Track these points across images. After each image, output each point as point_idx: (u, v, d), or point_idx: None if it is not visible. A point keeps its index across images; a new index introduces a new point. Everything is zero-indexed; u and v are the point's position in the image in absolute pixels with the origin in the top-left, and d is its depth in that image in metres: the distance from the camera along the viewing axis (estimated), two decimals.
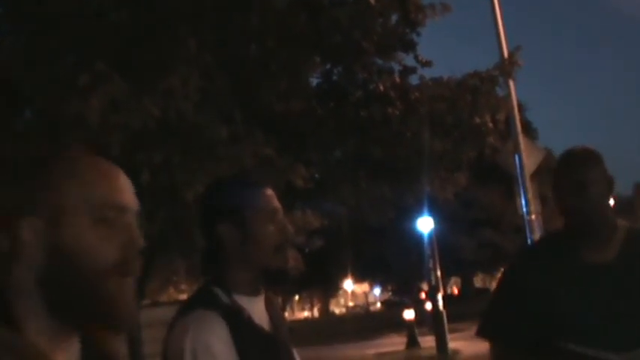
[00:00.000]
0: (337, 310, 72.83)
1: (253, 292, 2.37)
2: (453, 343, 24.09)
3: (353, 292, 74.70)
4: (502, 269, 3.21)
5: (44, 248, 1.29)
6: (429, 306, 28.39)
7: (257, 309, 2.38)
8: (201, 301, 2.32)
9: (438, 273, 25.92)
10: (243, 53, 9.06)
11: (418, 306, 32.08)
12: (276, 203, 2.41)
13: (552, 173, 2.86)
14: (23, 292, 1.29)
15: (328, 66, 11.07)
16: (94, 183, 1.35)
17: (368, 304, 72.96)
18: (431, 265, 26.14)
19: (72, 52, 7.85)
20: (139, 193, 1.43)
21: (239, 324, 2.25)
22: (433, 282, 25.83)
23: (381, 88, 10.65)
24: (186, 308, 2.32)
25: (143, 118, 7.10)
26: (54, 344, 1.30)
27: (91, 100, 6.80)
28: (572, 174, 2.77)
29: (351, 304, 76.89)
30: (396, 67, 11.11)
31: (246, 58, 9.16)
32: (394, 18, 10.63)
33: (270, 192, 2.42)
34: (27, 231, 1.28)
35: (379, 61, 10.90)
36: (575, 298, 2.74)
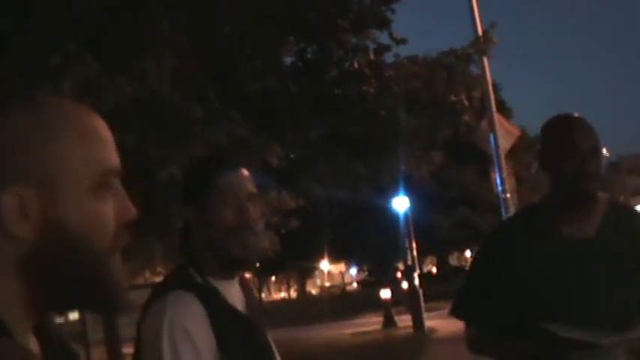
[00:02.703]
0: (314, 291, 72.99)
1: (224, 276, 2.32)
2: (430, 322, 24.17)
3: (329, 273, 74.88)
4: (478, 247, 3.10)
5: (34, 224, 1.05)
6: (405, 285, 28.46)
7: (231, 291, 2.34)
8: (177, 282, 2.26)
9: (414, 252, 26.01)
10: (217, 32, 8.95)
11: (394, 285, 32.16)
12: (240, 186, 2.32)
13: (552, 137, 2.76)
14: None
15: (302, 45, 11.00)
16: (92, 142, 1.11)
17: (344, 284, 73.13)
18: (407, 244, 26.21)
19: (42, 34, 7.73)
20: None
21: (215, 305, 2.21)
22: (409, 261, 25.93)
23: (356, 65, 10.60)
24: (161, 289, 2.26)
25: (116, 99, 6.99)
26: (24, 336, 1.10)
27: (62, 81, 6.68)
28: (584, 139, 2.66)
29: (327, 284, 77.09)
30: (371, 46, 11.07)
31: (220, 38, 9.06)
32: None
33: (236, 174, 2.35)
34: (7, 200, 1.04)
35: (354, 39, 10.84)
36: (554, 274, 2.67)
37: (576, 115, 2.77)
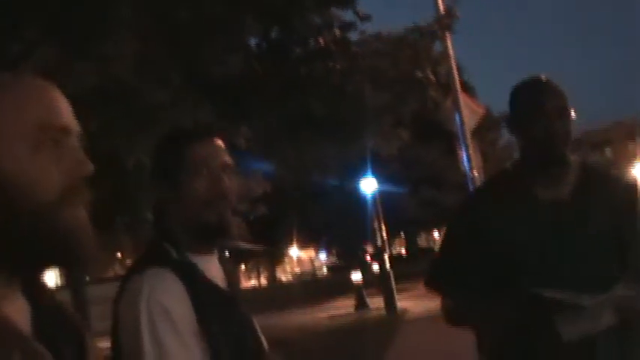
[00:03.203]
0: (284, 277, 73.06)
1: (202, 250, 2.24)
2: (401, 303, 24.36)
3: (299, 259, 74.98)
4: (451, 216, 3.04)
5: None
6: (375, 267, 28.54)
7: (210, 266, 2.25)
8: (153, 258, 2.17)
9: (384, 234, 26.03)
10: (177, 15, 8.78)
11: (364, 268, 32.23)
12: (214, 156, 2.25)
13: (520, 100, 2.72)
14: None
15: (265, 25, 10.86)
16: (29, 103, 1.17)
17: (314, 270, 73.29)
18: (376, 226, 26.20)
19: (1, 22, 7.54)
20: None
21: (194, 280, 2.12)
22: (379, 243, 25.94)
23: (322, 42, 10.50)
24: (136, 267, 2.17)
25: (77, 85, 6.83)
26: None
27: (22, 68, 6.52)
28: (552, 99, 2.63)
29: (297, 270, 77.18)
30: (336, 23, 10.97)
31: (180, 20, 8.89)
32: None
33: (209, 144, 2.27)
34: None
35: (319, 18, 10.72)
36: (531, 237, 2.62)
37: (543, 77, 2.72)
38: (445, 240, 2.95)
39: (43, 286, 1.28)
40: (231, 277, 2.40)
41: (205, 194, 2.20)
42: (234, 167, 2.30)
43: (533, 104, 2.64)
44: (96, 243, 1.20)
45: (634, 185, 2.84)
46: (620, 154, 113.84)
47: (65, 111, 1.22)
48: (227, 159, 2.28)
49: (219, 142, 2.30)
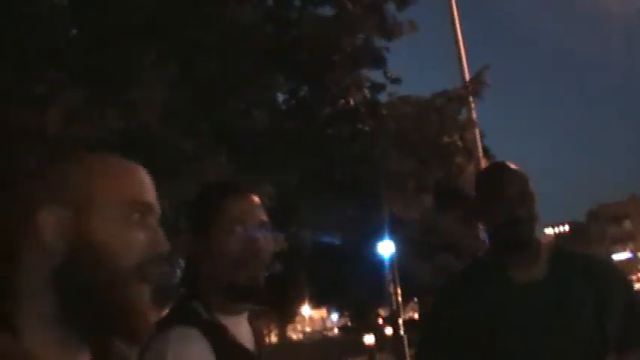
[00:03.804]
0: (294, 336, 72.55)
1: (232, 310, 2.13)
2: None
3: (311, 318, 74.54)
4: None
5: (67, 236, 1.20)
6: (388, 331, 28.26)
7: (239, 328, 2.15)
8: (181, 317, 2.06)
9: (399, 298, 25.78)
10: (204, 66, 8.74)
11: (377, 331, 31.92)
12: (249, 213, 2.15)
13: (485, 186, 2.76)
14: (31, 291, 1.20)
15: (294, 83, 10.83)
16: (124, 179, 1.28)
17: (325, 330, 72.79)
18: (391, 289, 25.98)
19: (27, 64, 7.54)
20: None
21: (222, 342, 2.03)
22: (394, 307, 25.68)
23: (351, 102, 10.43)
24: (163, 325, 2.03)
25: (104, 130, 6.77)
26: (60, 358, 1.20)
27: (48, 111, 6.47)
28: (515, 185, 2.68)
29: (308, 329, 76.68)
30: (366, 84, 10.93)
31: (208, 72, 8.85)
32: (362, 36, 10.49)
33: (245, 200, 2.17)
34: (46, 217, 1.20)
35: (349, 77, 10.66)
36: (508, 319, 2.65)
37: (505, 163, 2.81)
38: (425, 326, 3.00)
39: (115, 352, 1.33)
40: (259, 338, 2.29)
41: (239, 253, 2.09)
42: (269, 226, 2.18)
43: (493, 190, 2.69)
44: (152, 324, 1.27)
45: (607, 261, 2.98)
46: (639, 227, 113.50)
47: (151, 190, 1.31)
48: (263, 217, 2.17)
49: (256, 199, 2.21)
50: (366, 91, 10.86)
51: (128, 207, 1.24)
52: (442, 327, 2.80)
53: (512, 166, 2.75)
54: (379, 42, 10.60)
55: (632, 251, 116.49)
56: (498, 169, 2.77)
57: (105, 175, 1.26)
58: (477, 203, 2.77)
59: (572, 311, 2.64)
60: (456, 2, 15.01)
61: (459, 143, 11.19)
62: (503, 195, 2.64)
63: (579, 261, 2.82)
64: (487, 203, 2.69)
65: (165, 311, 2.28)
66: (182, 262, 2.39)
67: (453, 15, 15.00)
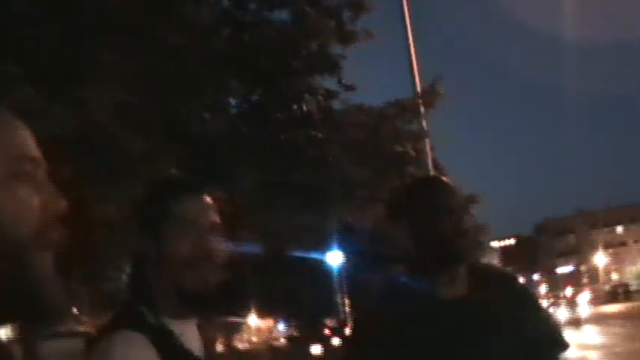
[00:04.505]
0: (240, 345, 72.19)
1: (180, 314, 2.05)
2: None
3: (257, 327, 74.31)
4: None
5: None
6: (335, 341, 28.25)
7: (188, 333, 2.07)
8: (126, 320, 1.98)
9: (347, 308, 25.81)
10: (162, 66, 8.62)
11: (324, 342, 31.92)
12: (201, 214, 2.06)
13: (412, 200, 2.73)
14: None
15: (248, 87, 10.74)
16: (3, 133, 1.05)
17: (272, 340, 72.65)
18: (339, 300, 26.01)
19: None
20: None
21: (169, 348, 1.96)
22: (342, 316, 25.71)
23: (305, 108, 10.36)
24: (107, 330, 1.98)
25: (54, 126, 6.61)
26: None
27: None
28: (458, 199, 2.73)
29: (254, 339, 76.44)
30: (320, 91, 10.89)
31: (165, 73, 8.73)
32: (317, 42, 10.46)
33: (197, 200, 2.09)
34: None
35: (303, 82, 10.61)
36: (436, 336, 2.62)
37: (436, 176, 3.00)
38: (350, 346, 2.97)
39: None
40: (209, 344, 2.21)
41: (190, 255, 2.00)
42: (222, 228, 2.10)
43: (442, 203, 2.67)
44: (65, 296, 1.05)
45: (512, 274, 3.19)
46: (583, 242, 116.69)
47: (34, 144, 1.09)
48: (216, 218, 2.09)
49: (209, 199, 2.11)
50: (320, 97, 10.80)
51: (13, 163, 1.03)
52: (370, 352, 2.74)
53: (444, 181, 2.79)
54: (334, 48, 10.57)
55: (574, 264, 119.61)
56: (439, 182, 2.80)
57: None
58: (411, 215, 2.72)
59: (496, 325, 2.65)
60: (410, 15, 15.32)
61: (412, 153, 11.23)
62: (451, 208, 2.64)
63: (492, 276, 2.86)
64: (435, 215, 2.65)
65: (110, 315, 2.18)
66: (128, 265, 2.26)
67: (405, 26, 15.24)
